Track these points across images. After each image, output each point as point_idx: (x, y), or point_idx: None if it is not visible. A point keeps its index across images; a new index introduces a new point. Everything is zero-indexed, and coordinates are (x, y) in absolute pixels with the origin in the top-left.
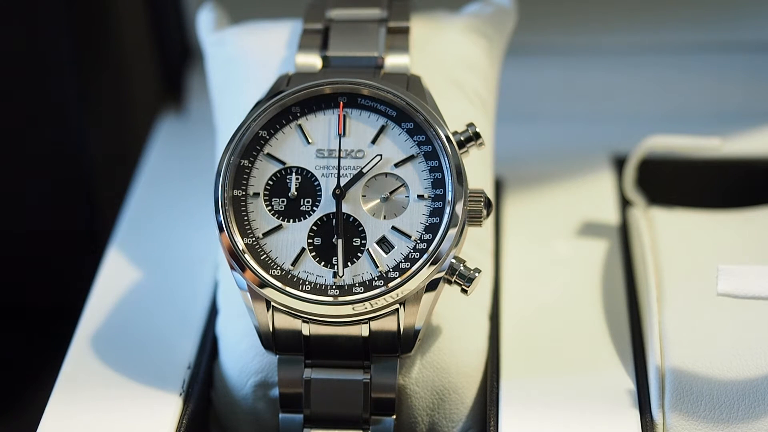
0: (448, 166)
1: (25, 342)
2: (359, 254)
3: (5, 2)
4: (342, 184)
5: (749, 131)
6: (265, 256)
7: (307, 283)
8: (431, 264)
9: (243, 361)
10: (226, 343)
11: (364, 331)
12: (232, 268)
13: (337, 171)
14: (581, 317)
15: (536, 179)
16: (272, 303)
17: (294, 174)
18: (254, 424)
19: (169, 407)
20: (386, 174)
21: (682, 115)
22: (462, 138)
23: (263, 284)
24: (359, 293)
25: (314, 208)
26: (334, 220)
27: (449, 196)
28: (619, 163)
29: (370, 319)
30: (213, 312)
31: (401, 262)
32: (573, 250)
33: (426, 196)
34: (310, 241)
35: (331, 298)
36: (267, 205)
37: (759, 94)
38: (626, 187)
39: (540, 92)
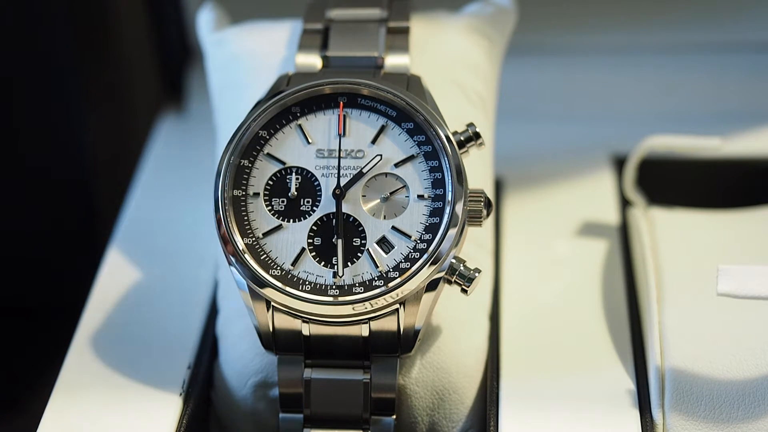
0: (448, 166)
1: (25, 342)
2: (359, 254)
3: (5, 2)
4: (342, 184)
5: (749, 131)
6: (265, 256)
7: (307, 283)
8: (431, 264)
9: (243, 361)
10: (226, 343)
11: (364, 331)
12: (229, 263)
13: (337, 171)
14: (581, 317)
15: (536, 179)
16: (272, 303)
17: (294, 174)
18: (254, 424)
19: (169, 407)
20: (386, 174)
21: (682, 115)
22: (462, 138)
23: (263, 284)
24: (359, 293)
25: (314, 208)
26: (334, 220)
27: (449, 196)
28: (619, 163)
29: (370, 319)
30: (213, 312)
31: (401, 262)
32: (573, 250)
33: (426, 196)
34: (310, 241)
35: (331, 298)
36: (267, 205)
37: (759, 94)
38: (626, 187)
39: (540, 92)
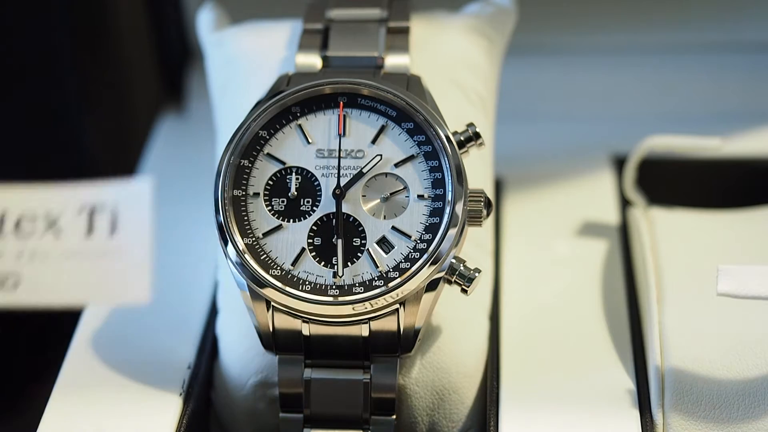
0: (448, 166)
1: (25, 342)
2: (359, 254)
3: (5, 2)
4: (342, 184)
5: (749, 131)
6: (265, 256)
7: (307, 283)
8: (431, 264)
9: (243, 361)
10: (226, 343)
11: (364, 331)
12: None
13: (337, 171)
14: (581, 317)
15: (536, 179)
16: (272, 303)
17: (294, 174)
18: (254, 424)
19: (169, 407)
20: (386, 174)
21: (682, 115)
22: (462, 138)
23: (263, 284)
24: (359, 293)
25: (314, 208)
26: (334, 220)
27: (449, 196)
28: (619, 163)
29: (370, 319)
30: (213, 312)
31: (401, 262)
32: (573, 250)
33: (426, 196)
34: (310, 241)
35: (331, 298)
36: (267, 205)
37: (759, 94)
38: (626, 187)
39: (540, 92)
